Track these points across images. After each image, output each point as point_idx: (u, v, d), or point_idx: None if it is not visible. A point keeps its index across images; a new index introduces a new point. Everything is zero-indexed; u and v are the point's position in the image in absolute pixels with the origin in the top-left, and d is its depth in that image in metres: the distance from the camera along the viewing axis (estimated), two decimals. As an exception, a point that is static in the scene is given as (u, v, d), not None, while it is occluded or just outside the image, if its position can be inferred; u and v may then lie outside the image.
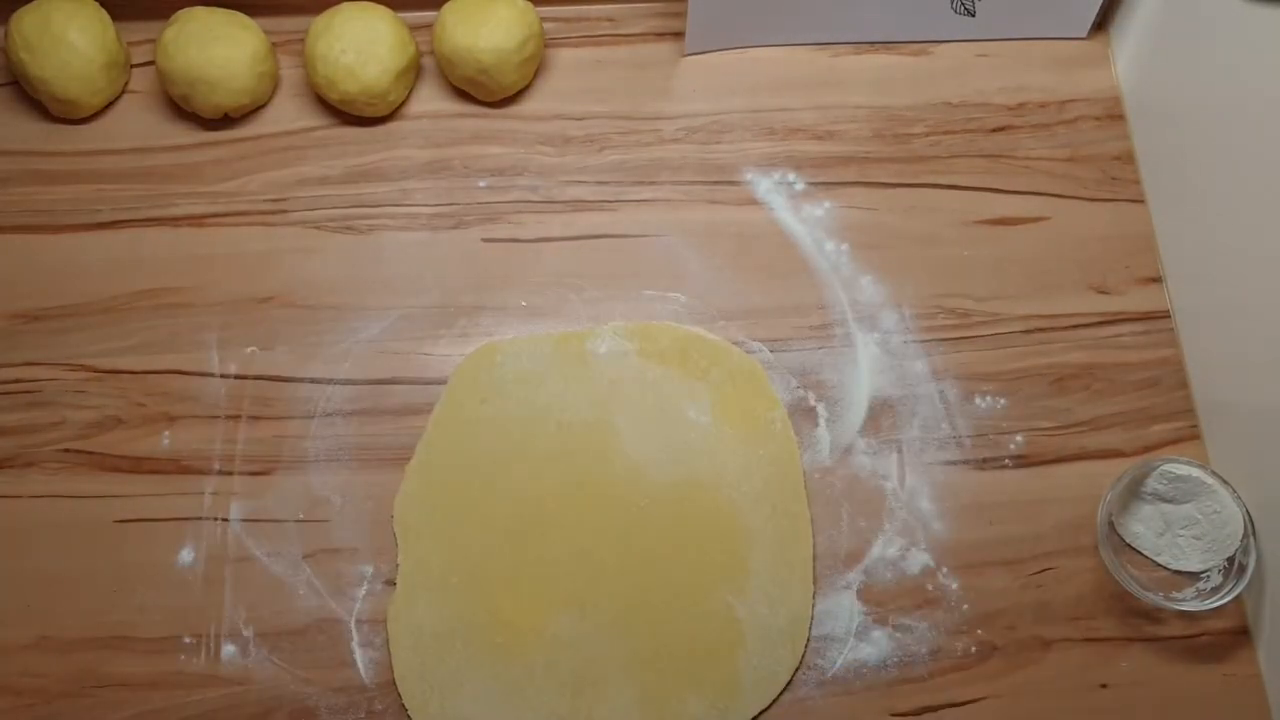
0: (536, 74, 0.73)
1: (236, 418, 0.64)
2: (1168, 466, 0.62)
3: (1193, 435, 0.66)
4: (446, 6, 0.70)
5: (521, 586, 0.61)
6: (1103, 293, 0.69)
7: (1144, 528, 0.63)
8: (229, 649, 0.60)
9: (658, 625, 0.61)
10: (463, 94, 0.72)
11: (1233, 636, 0.62)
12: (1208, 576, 0.62)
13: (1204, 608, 0.60)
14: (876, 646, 0.61)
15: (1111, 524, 0.61)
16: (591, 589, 0.61)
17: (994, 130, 0.73)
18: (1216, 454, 0.65)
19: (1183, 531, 0.62)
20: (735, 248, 0.69)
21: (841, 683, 0.60)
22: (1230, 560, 0.61)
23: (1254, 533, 0.60)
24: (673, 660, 0.60)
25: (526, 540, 0.62)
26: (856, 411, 0.66)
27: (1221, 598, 0.59)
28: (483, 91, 0.71)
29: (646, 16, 0.76)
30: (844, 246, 0.70)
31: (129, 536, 0.62)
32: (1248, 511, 0.60)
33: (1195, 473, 0.61)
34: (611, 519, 0.62)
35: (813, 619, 0.61)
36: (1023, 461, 0.65)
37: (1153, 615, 0.62)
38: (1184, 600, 0.61)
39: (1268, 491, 0.61)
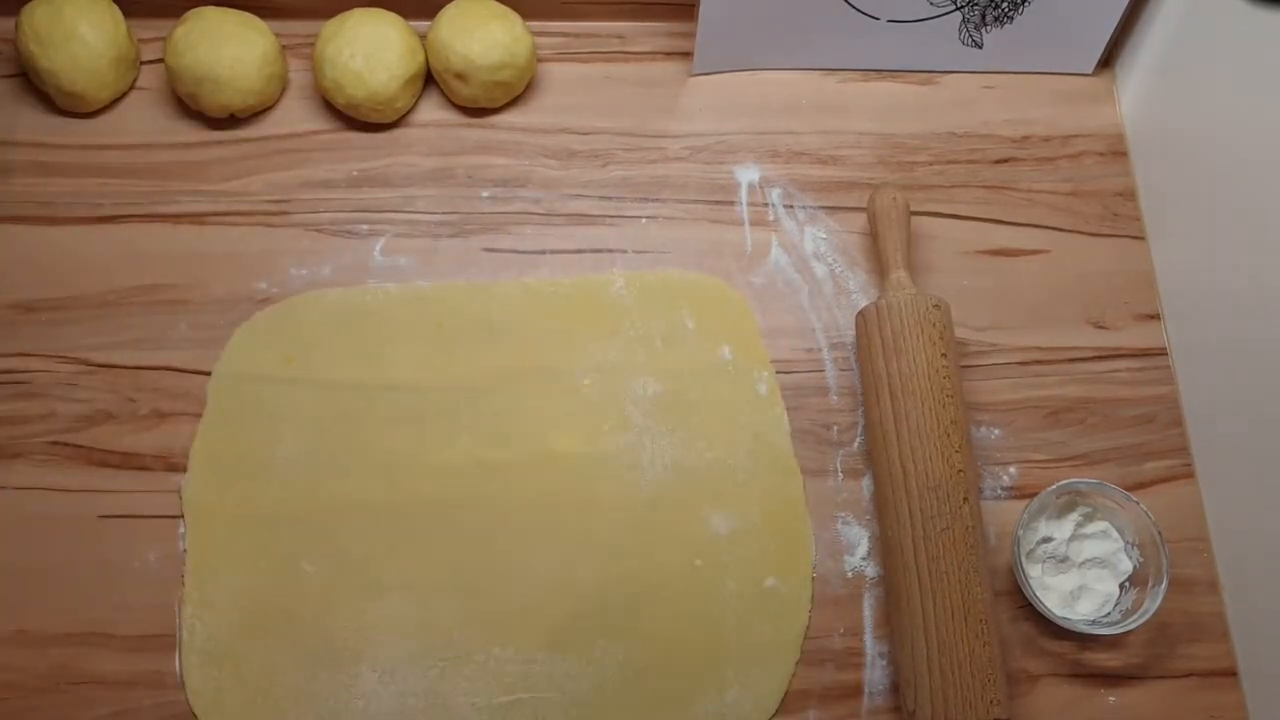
0: (543, 88, 0.74)
1: (227, 417, 0.64)
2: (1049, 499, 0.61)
3: (1187, 473, 0.66)
4: (452, 3, 0.71)
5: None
6: (1101, 328, 0.69)
7: (1054, 590, 0.62)
8: (208, 650, 0.59)
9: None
10: (464, 109, 0.73)
11: (1220, 678, 0.62)
12: (1120, 598, 0.61)
13: (1133, 624, 0.59)
14: (861, 674, 0.61)
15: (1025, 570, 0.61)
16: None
17: (997, 162, 0.74)
18: (1210, 492, 0.65)
19: (1090, 573, 0.62)
20: (735, 268, 0.69)
21: (826, 709, 0.60)
22: (1131, 578, 0.61)
23: (1161, 538, 0.60)
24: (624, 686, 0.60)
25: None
26: (850, 436, 0.66)
27: (1144, 613, 0.59)
28: (455, 94, 0.71)
29: (655, 35, 0.76)
30: (844, 271, 0.70)
31: (112, 533, 0.61)
32: (1146, 511, 0.60)
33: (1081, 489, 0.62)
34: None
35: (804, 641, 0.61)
36: (1015, 493, 0.65)
37: (1141, 653, 0.62)
38: (1109, 623, 0.60)
39: (1262, 530, 0.60)
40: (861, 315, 0.64)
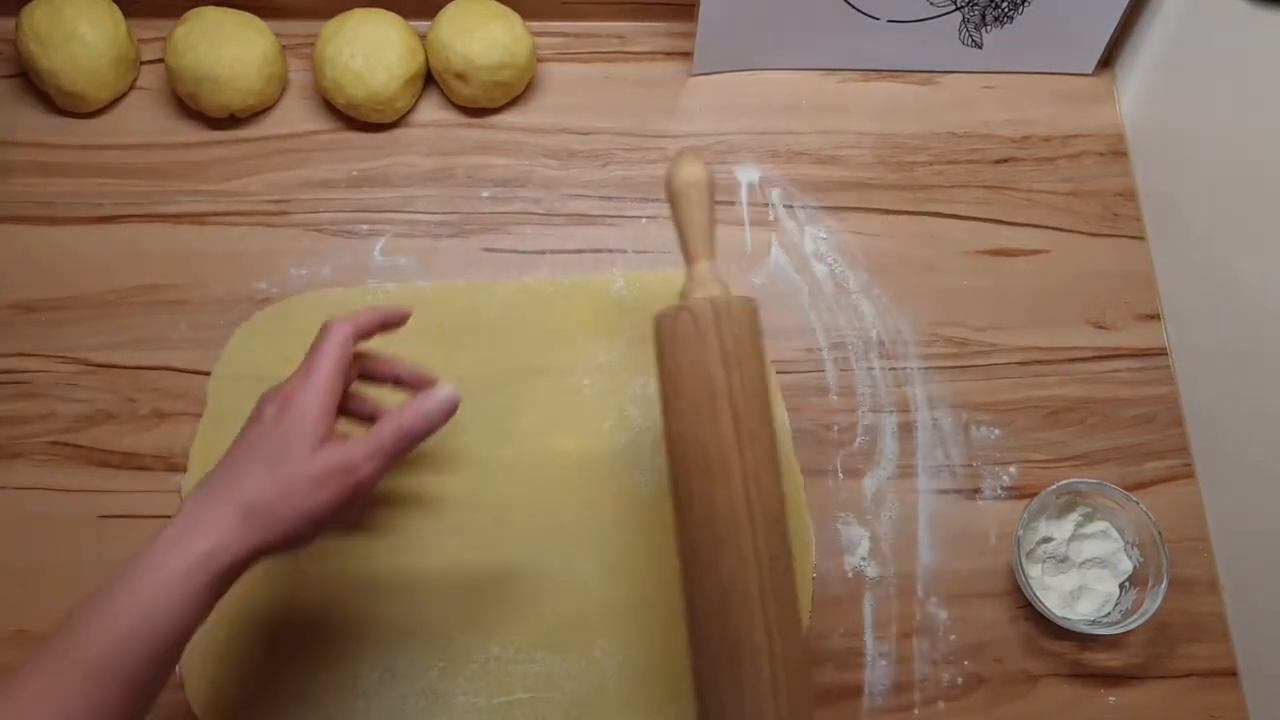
0: (543, 88, 0.74)
1: (227, 417, 0.64)
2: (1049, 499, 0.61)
3: (1187, 473, 0.66)
4: (452, 3, 0.71)
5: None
6: (1101, 328, 0.69)
7: (1054, 590, 0.62)
8: (208, 650, 0.59)
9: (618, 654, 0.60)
10: (464, 109, 0.73)
11: (1220, 678, 0.62)
12: (1120, 598, 0.62)
13: (1133, 624, 0.59)
14: (862, 674, 0.61)
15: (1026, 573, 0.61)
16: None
17: (997, 162, 0.74)
18: (1210, 492, 0.65)
19: (1090, 573, 0.62)
20: (735, 268, 0.69)
21: (826, 709, 0.60)
22: (1131, 578, 0.61)
23: (1161, 539, 0.60)
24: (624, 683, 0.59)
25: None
26: (850, 436, 0.66)
27: (1144, 612, 0.59)
28: (455, 94, 0.72)
29: (655, 35, 0.76)
30: (844, 272, 0.70)
31: (112, 533, 0.61)
32: (1148, 514, 0.60)
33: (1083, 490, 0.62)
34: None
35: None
36: (1015, 493, 0.65)
37: (1141, 653, 0.62)
38: (1109, 623, 0.60)
39: (1262, 530, 0.60)
40: (689, 313, 0.51)
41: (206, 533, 0.44)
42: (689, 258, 0.55)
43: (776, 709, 0.47)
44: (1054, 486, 0.61)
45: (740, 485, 0.49)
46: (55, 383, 0.65)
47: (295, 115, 0.72)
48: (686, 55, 0.75)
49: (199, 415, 0.64)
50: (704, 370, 0.50)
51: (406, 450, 0.50)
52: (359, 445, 0.48)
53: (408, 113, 0.72)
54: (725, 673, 0.48)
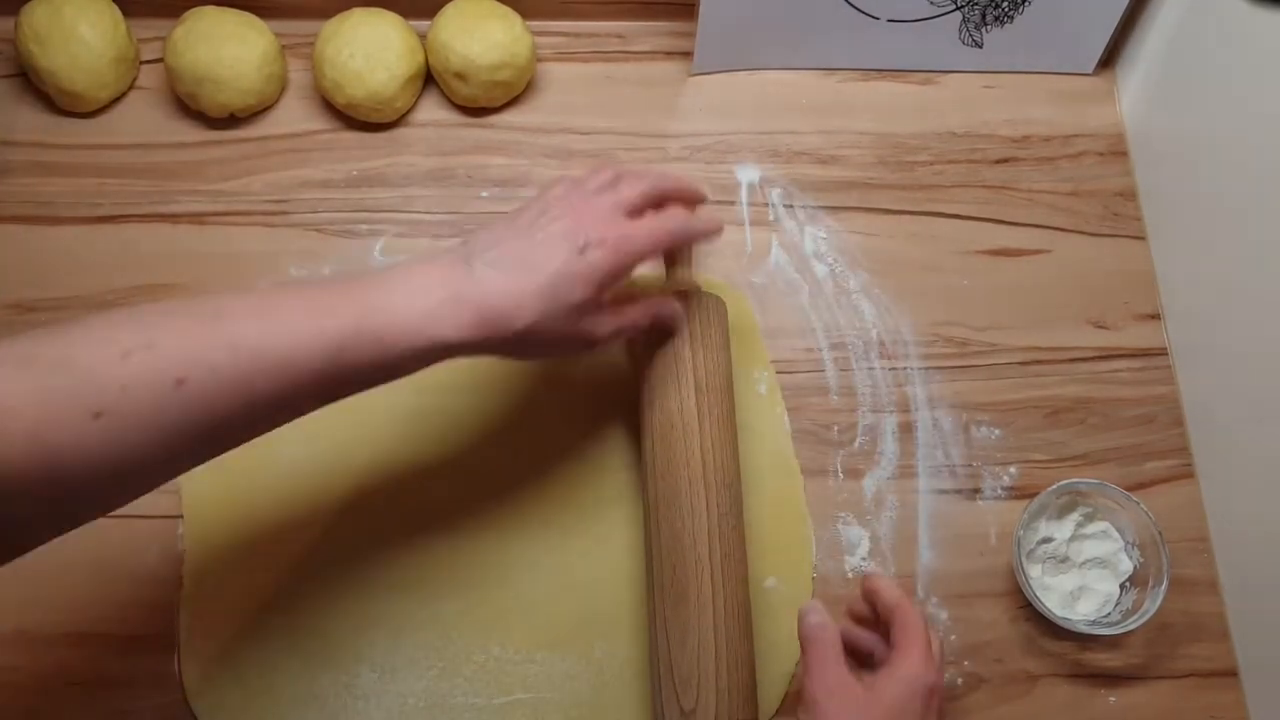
0: (543, 88, 0.74)
1: (227, 417, 0.64)
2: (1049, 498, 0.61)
3: (1187, 473, 0.66)
4: (452, 3, 0.71)
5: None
6: (1101, 328, 0.69)
7: (1054, 590, 0.62)
8: (208, 650, 0.59)
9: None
10: (464, 109, 0.73)
11: (1220, 678, 0.62)
12: (1120, 598, 0.61)
13: (1133, 624, 0.59)
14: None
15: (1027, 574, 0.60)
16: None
17: (997, 161, 0.74)
18: (1210, 492, 0.65)
19: (1090, 573, 0.62)
20: (735, 268, 0.69)
21: (825, 709, 0.60)
22: (1131, 578, 0.61)
23: (1161, 539, 0.59)
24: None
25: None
26: (850, 436, 0.66)
27: (1144, 613, 0.59)
28: (454, 94, 0.72)
29: (655, 35, 0.76)
30: (844, 271, 0.70)
31: (112, 533, 0.61)
32: (1148, 514, 0.60)
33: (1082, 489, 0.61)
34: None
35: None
36: (1015, 493, 0.65)
37: (1142, 653, 0.62)
38: (1110, 624, 0.60)
39: (1262, 530, 0.60)
40: None
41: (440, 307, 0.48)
42: (669, 261, 0.62)
43: (716, 646, 0.53)
44: (1054, 486, 0.61)
45: (698, 448, 0.56)
46: (55, 383, 0.64)
47: (295, 115, 0.72)
48: (686, 55, 0.75)
49: (199, 415, 0.64)
50: (674, 347, 0.58)
51: (630, 329, 0.55)
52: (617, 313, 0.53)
53: (407, 112, 0.72)
54: (673, 612, 0.54)
